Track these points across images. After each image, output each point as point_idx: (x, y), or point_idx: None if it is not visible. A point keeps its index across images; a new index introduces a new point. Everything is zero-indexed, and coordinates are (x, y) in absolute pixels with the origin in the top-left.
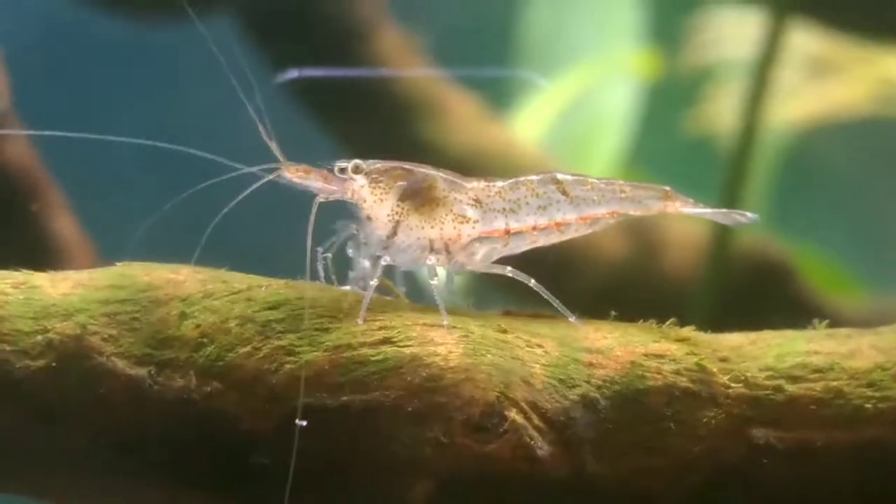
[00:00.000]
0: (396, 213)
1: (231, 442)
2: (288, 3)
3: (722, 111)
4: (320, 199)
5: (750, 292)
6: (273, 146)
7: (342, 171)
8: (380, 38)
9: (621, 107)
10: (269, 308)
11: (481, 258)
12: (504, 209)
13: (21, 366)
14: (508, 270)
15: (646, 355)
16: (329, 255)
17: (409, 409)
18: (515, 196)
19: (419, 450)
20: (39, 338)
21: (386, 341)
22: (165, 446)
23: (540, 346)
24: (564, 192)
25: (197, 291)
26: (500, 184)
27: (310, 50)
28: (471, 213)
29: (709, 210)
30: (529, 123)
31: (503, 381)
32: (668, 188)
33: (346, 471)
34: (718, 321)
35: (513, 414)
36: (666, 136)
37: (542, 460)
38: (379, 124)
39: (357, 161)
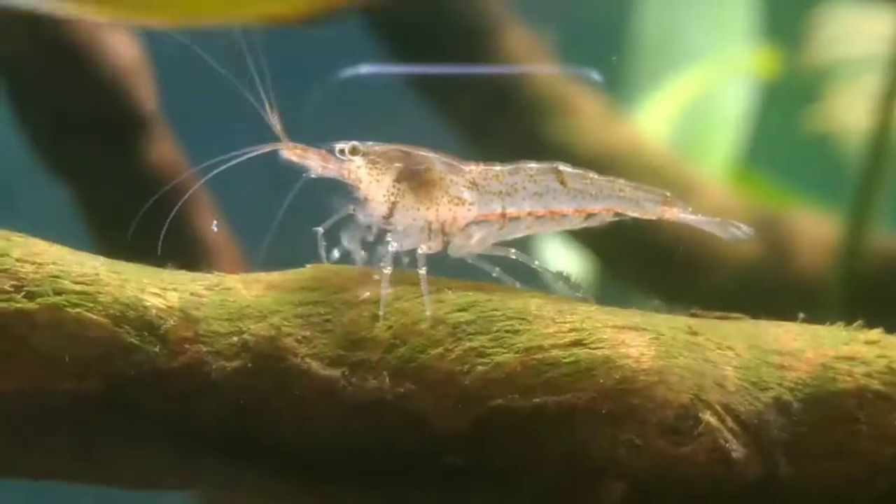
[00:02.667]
0: (393, 193)
1: (423, 443)
2: (415, 2)
3: (846, 110)
4: (313, 175)
5: (884, 292)
6: (275, 124)
7: (341, 152)
8: (506, 35)
9: (739, 105)
10: (460, 310)
11: (477, 242)
12: (500, 192)
13: (217, 366)
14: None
15: (836, 358)
16: (320, 230)
17: (603, 411)
18: (513, 180)
19: (613, 452)
20: (235, 339)
21: (577, 343)
22: (358, 447)
23: (731, 348)
24: (563, 183)
25: (387, 293)
26: (498, 168)
27: (436, 48)
28: (467, 195)
29: (704, 219)
30: (649, 122)
31: (696, 384)
32: (668, 193)
33: (539, 472)
34: (851, 321)
35: (707, 416)
36: (785, 134)
37: (736, 463)
38: (508, 123)
39: (355, 143)
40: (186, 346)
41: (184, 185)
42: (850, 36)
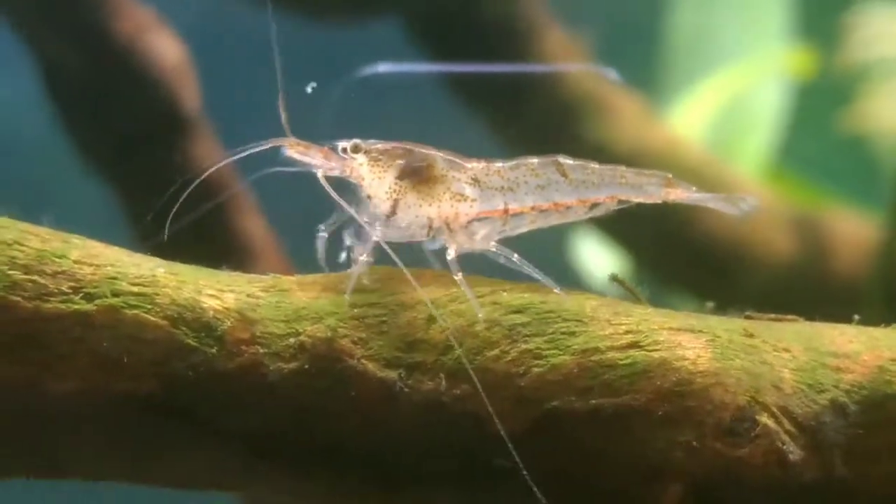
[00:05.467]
0: (395, 190)
1: (479, 444)
2: (453, 5)
3: (881, 110)
4: (320, 173)
5: None
6: (284, 121)
7: (343, 150)
8: (545, 37)
9: (774, 105)
10: (515, 312)
11: (482, 238)
12: (502, 187)
13: (274, 368)
14: (492, 246)
15: (892, 360)
16: (325, 234)
17: (660, 413)
18: (514, 175)
19: (670, 454)
20: (292, 340)
21: (634, 345)
22: (415, 449)
23: (787, 350)
24: (564, 174)
25: (442, 295)
26: (500, 164)
27: (475, 51)
28: (469, 191)
29: (709, 196)
30: (684, 122)
31: (753, 386)
32: (669, 175)
33: (595, 474)
34: (890, 322)
35: (764, 418)
36: (819, 135)
37: (793, 465)
38: (544, 122)
39: (356, 140)
40: (244, 347)
41: (225, 185)
42: (885, 36)
